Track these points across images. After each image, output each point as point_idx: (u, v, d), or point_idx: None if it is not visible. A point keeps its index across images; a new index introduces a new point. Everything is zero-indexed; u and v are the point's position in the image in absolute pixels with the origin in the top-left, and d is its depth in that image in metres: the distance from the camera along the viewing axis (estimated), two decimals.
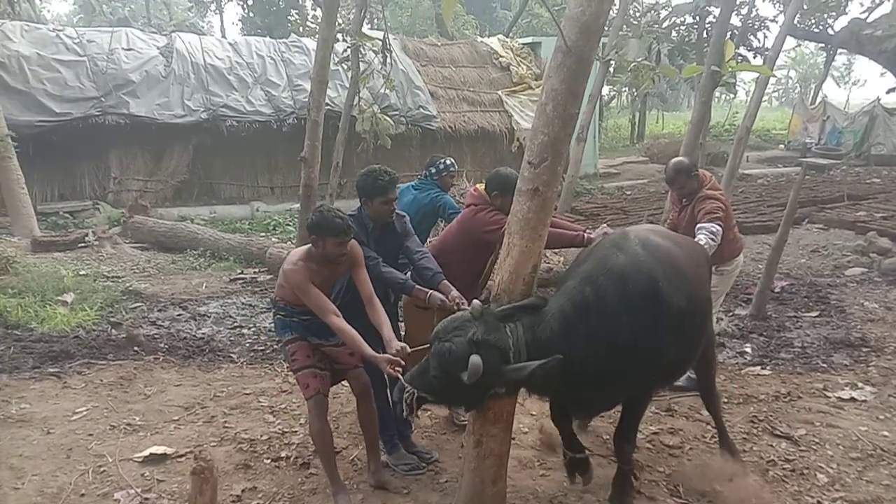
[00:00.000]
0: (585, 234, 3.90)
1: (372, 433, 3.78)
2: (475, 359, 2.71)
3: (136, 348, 5.79)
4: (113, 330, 6.23)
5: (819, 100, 23.42)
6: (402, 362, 3.23)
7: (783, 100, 52.53)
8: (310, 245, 3.51)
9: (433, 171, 5.15)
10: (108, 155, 12.35)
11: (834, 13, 21.57)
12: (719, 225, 4.39)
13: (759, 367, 5.41)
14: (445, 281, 3.73)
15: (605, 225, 4.07)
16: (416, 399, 2.94)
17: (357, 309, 3.58)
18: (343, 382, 3.91)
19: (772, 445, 4.15)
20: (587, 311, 2.95)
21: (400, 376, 3.10)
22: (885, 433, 4.24)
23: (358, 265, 3.60)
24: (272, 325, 4.24)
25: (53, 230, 10.60)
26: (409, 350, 3.34)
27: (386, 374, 3.27)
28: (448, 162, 5.17)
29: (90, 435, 4.31)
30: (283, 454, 4.08)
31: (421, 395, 2.94)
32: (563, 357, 2.77)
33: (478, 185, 4.33)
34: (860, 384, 4.98)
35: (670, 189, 4.89)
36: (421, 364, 3.03)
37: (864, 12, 21.04)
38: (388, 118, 10.21)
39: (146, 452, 4.03)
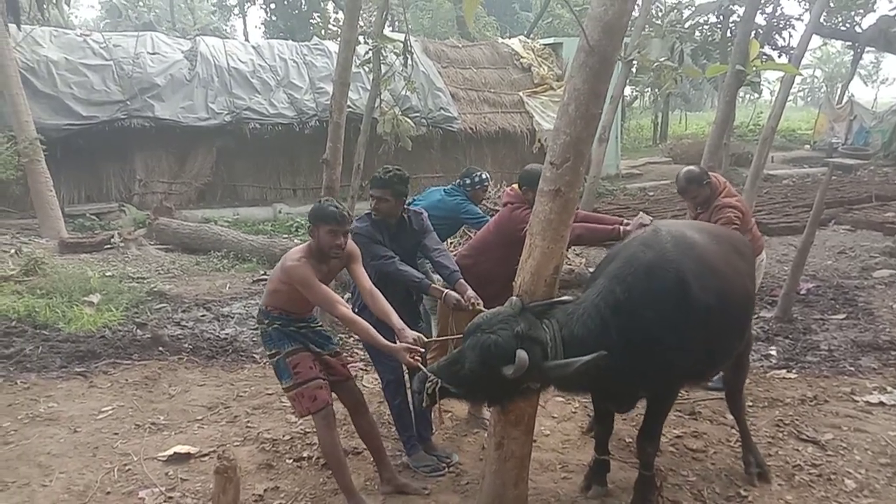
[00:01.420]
0: (622, 228, 3.83)
1: (376, 443, 3.70)
2: (522, 353, 2.70)
3: (160, 348, 5.86)
4: (138, 330, 6.31)
5: (846, 99, 23.03)
6: (422, 350, 3.20)
7: (809, 99, 51.78)
8: (308, 242, 3.44)
9: (468, 181, 5.20)
10: (133, 158, 12.54)
11: (861, 10, 21.25)
12: None
13: (784, 371, 5.33)
14: (462, 280, 3.73)
15: (642, 213, 3.99)
16: (438, 390, 2.89)
17: (390, 293, 3.56)
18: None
19: (798, 450, 4.08)
20: (618, 308, 2.94)
21: (421, 366, 3.07)
22: None
23: (354, 261, 3.53)
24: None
25: (80, 232, 10.78)
26: (425, 339, 3.29)
27: (405, 363, 3.22)
28: (484, 176, 5.24)
29: (115, 434, 4.37)
30: (304, 454, 4.09)
31: (444, 387, 2.90)
32: (606, 354, 2.75)
33: (514, 185, 4.34)
34: (889, 388, 4.88)
35: (684, 199, 4.84)
36: (451, 355, 3.00)
37: (893, 9, 20.66)
38: (409, 120, 10.21)
39: (170, 451, 4.08)
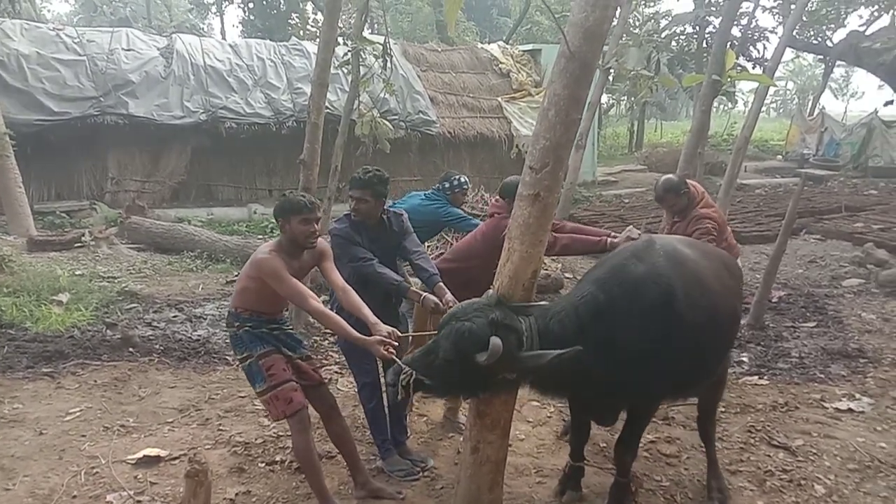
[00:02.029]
0: (609, 240, 3.86)
1: (349, 447, 3.65)
2: (496, 340, 2.69)
3: (130, 349, 5.75)
4: (108, 331, 6.18)
5: (817, 111, 23.50)
6: (396, 343, 3.18)
7: (781, 111, 52.71)
8: (278, 238, 3.42)
9: (447, 185, 5.21)
10: (106, 155, 12.32)
11: (833, 25, 21.69)
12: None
13: (756, 377, 5.39)
14: (441, 283, 3.72)
15: (631, 227, 4.01)
16: (413, 382, 2.87)
17: (368, 295, 3.53)
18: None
19: (769, 456, 4.13)
20: (599, 315, 2.93)
21: (396, 358, 3.05)
22: (883, 444, 4.23)
23: (326, 259, 3.50)
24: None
25: (50, 230, 10.56)
26: (399, 333, 3.28)
27: (378, 356, 3.18)
28: (463, 179, 5.26)
29: (83, 436, 4.28)
30: (277, 458, 4.04)
31: (419, 379, 2.88)
32: (580, 349, 2.74)
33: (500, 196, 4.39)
34: (857, 395, 4.97)
35: (662, 207, 4.89)
36: (425, 346, 2.98)
37: (862, 25, 21.16)
38: (387, 122, 10.17)
39: (139, 454, 4.00)
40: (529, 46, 17.86)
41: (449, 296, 3.66)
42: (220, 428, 4.45)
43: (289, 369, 3.41)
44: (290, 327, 3.69)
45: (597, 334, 2.91)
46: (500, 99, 15.22)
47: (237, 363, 3.55)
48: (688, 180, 4.86)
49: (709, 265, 3.33)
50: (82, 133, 11.78)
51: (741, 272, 3.97)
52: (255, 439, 4.27)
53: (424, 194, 5.29)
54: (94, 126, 11.78)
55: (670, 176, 4.92)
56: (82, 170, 12.32)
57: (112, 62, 12.12)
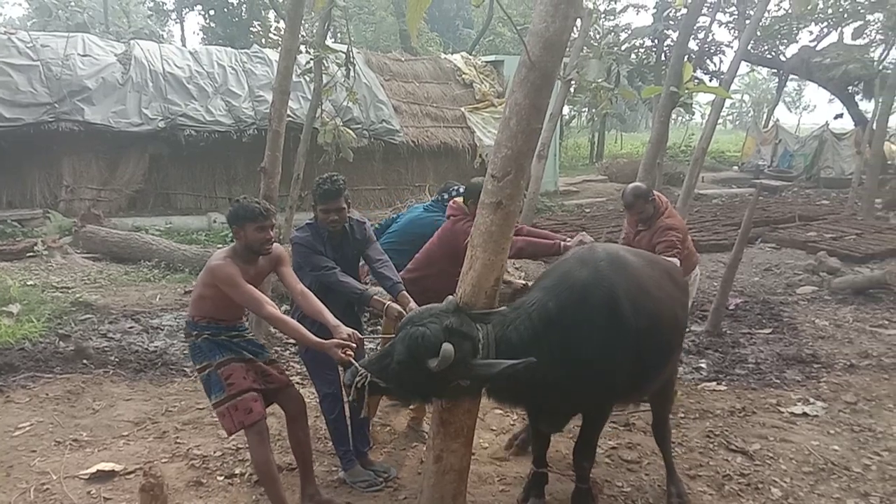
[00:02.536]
0: (562, 244, 3.89)
1: (306, 456, 3.60)
2: (447, 346, 2.69)
3: (84, 361, 5.60)
4: (61, 342, 6.01)
5: (771, 123, 24.19)
6: (354, 345, 3.15)
7: (737, 123, 54.07)
8: (233, 245, 3.38)
9: (446, 196, 5.15)
10: (60, 162, 12.00)
11: (786, 40, 22.40)
12: (677, 258, 4.47)
13: (714, 383, 5.49)
14: (405, 292, 3.70)
15: (583, 232, 4.07)
16: (368, 384, 2.87)
17: (331, 303, 3.50)
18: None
19: (727, 460, 4.20)
20: (550, 322, 2.96)
21: (353, 361, 3.03)
22: (836, 447, 4.34)
23: (283, 264, 3.46)
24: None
25: (0, 239, 10.22)
26: (359, 335, 3.26)
27: (336, 359, 3.15)
28: (462, 189, 5.19)
29: (33, 451, 4.14)
30: (236, 471, 3.97)
31: (374, 381, 2.88)
32: (535, 360, 2.76)
33: (457, 199, 4.34)
34: (812, 399, 5.09)
35: (628, 213, 4.94)
36: (382, 349, 2.99)
37: (813, 41, 21.94)
38: (350, 131, 10.14)
39: (93, 469, 3.88)
40: (492, 57, 18.01)
41: (413, 304, 3.63)
42: (178, 441, 4.35)
43: (249, 377, 3.34)
44: (252, 334, 3.63)
45: (551, 341, 2.94)
46: (463, 109, 15.31)
47: (195, 374, 3.47)
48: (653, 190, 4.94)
49: (652, 273, 3.40)
50: (36, 140, 11.47)
51: (686, 284, 4.02)
52: (214, 452, 4.18)
53: (424, 206, 5.23)
54: (48, 133, 11.47)
55: (639, 183, 5.01)
56: (35, 177, 11.98)
57: (67, 68, 11.83)
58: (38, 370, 5.36)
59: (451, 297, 3.00)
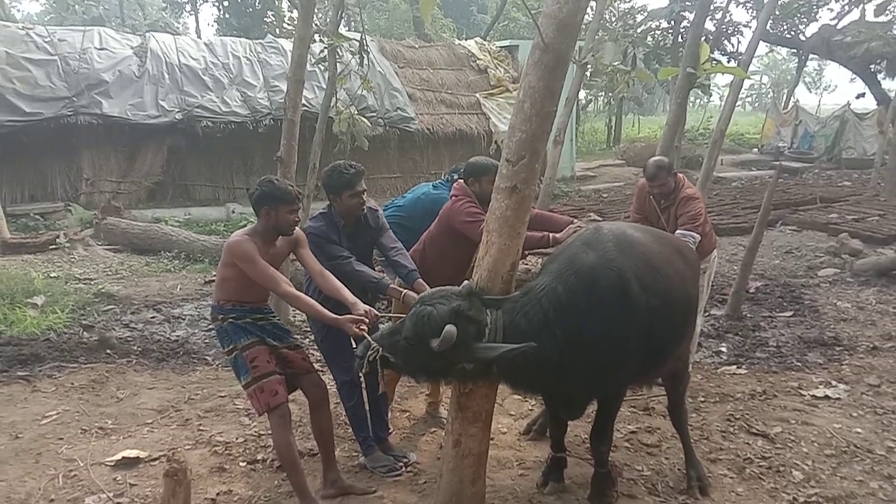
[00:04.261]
0: (551, 236, 3.79)
1: (329, 443, 3.64)
2: (450, 327, 2.70)
3: (108, 351, 5.69)
4: (84, 333, 6.10)
5: (791, 104, 23.80)
6: (367, 320, 3.19)
7: (756, 105, 53.36)
8: (253, 225, 3.41)
9: (455, 176, 5.15)
10: (80, 156, 12.15)
11: (805, 19, 21.99)
12: (698, 233, 4.42)
13: (734, 366, 5.46)
14: (420, 279, 3.70)
15: (592, 214, 3.99)
16: (379, 358, 2.94)
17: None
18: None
19: (748, 443, 4.18)
20: (560, 308, 2.93)
21: (366, 335, 3.07)
22: (858, 430, 4.30)
23: (302, 245, 3.50)
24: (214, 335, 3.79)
25: (23, 232, 10.38)
26: (376, 312, 3.31)
27: (350, 333, 3.20)
28: None
29: (60, 439, 4.22)
30: (258, 457, 4.02)
31: (385, 356, 2.95)
32: (536, 346, 2.76)
33: (460, 180, 4.33)
34: (834, 382, 5.04)
35: (650, 186, 4.83)
36: (395, 324, 3.04)
37: (833, 19, 21.49)
38: (365, 119, 10.15)
39: (118, 456, 3.95)
40: (507, 42, 17.88)
41: None
42: (201, 428, 4.41)
43: (273, 361, 3.38)
44: (277, 318, 3.66)
45: (562, 326, 2.91)
46: (478, 95, 15.24)
47: (224, 357, 3.53)
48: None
49: (661, 250, 3.36)
50: (55, 134, 11.61)
51: (697, 259, 3.96)
52: (236, 439, 4.23)
53: (432, 185, 5.25)
54: (67, 126, 11.60)
55: (661, 156, 4.96)
56: (56, 171, 12.14)
57: (84, 62, 11.94)
58: (63, 360, 5.45)
59: (467, 281, 3.00)
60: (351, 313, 3.24)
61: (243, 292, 3.38)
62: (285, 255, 3.57)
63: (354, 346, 3.36)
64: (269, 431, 4.12)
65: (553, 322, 2.91)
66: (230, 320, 3.39)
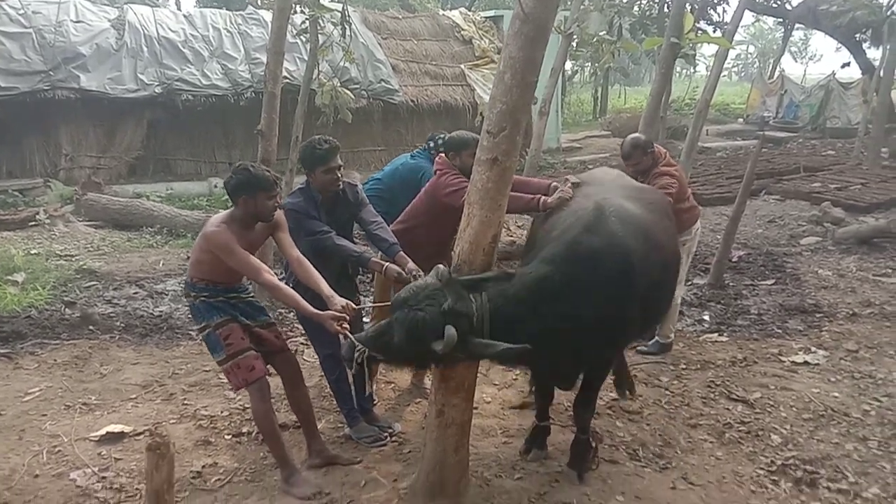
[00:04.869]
0: (542, 200, 3.67)
1: (308, 416, 3.66)
2: (451, 330, 2.69)
3: (91, 327, 5.66)
4: (67, 309, 6.06)
5: (777, 74, 23.78)
6: (348, 317, 3.16)
7: (742, 75, 53.28)
8: (230, 210, 3.35)
9: (431, 144, 5.12)
10: (58, 131, 11.91)
11: None
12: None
13: (716, 334, 5.52)
14: (402, 252, 3.69)
15: (567, 179, 3.78)
16: (366, 358, 2.93)
17: (326, 268, 3.51)
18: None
19: (728, 409, 4.24)
20: (555, 293, 2.90)
21: (348, 333, 3.04)
22: (836, 394, 4.38)
23: (281, 229, 3.44)
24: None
25: (2, 209, 10.20)
26: (353, 306, 3.26)
27: (331, 331, 3.16)
28: (447, 137, 5.13)
29: (44, 415, 4.21)
30: (244, 430, 4.04)
31: (372, 355, 2.94)
32: (529, 348, 2.74)
33: (443, 154, 4.30)
34: (813, 348, 5.12)
35: (626, 164, 4.87)
36: (379, 326, 2.99)
37: None
38: (348, 92, 10.05)
39: (103, 431, 3.96)
40: (492, 13, 17.65)
41: (411, 264, 3.63)
42: (185, 402, 4.42)
43: (247, 338, 3.38)
44: (251, 295, 3.63)
45: (555, 312, 2.89)
46: (462, 66, 15.07)
47: (197, 333, 3.53)
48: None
49: (654, 218, 3.43)
50: (32, 109, 11.36)
51: (669, 207, 4.00)
52: (221, 412, 4.25)
53: (410, 155, 5.22)
54: (44, 101, 11.35)
55: (637, 134, 4.94)
56: (34, 147, 11.90)
57: (60, 34, 11.65)
58: (46, 337, 5.42)
59: (441, 267, 2.93)
60: (327, 306, 3.20)
61: (217, 274, 3.36)
62: (263, 240, 3.54)
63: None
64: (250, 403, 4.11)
65: (544, 310, 2.89)
66: (202, 298, 3.38)
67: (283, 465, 3.44)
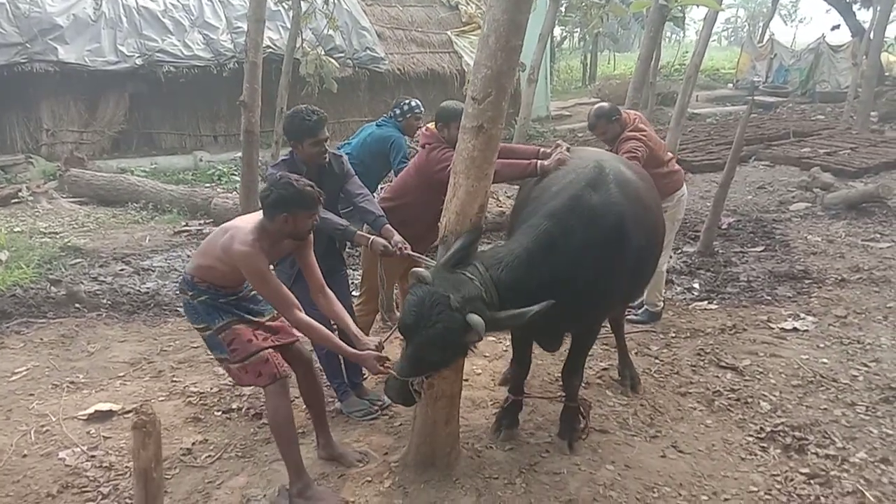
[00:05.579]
0: (538, 164, 3.57)
1: (319, 408, 3.43)
2: (474, 318, 2.65)
3: (77, 305, 5.59)
4: (52, 287, 5.98)
5: (767, 38, 23.60)
6: (389, 358, 3.05)
7: (732, 39, 52.81)
8: (259, 220, 2.97)
9: (397, 111, 5.03)
10: (38, 105, 11.70)
11: None
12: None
13: (706, 302, 5.52)
14: (388, 225, 3.64)
15: (560, 144, 3.70)
16: (423, 383, 2.88)
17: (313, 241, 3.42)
18: None
19: (717, 376, 4.25)
20: (553, 249, 2.91)
21: (392, 372, 2.90)
22: (825, 360, 4.39)
23: (307, 247, 3.15)
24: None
25: None
26: (382, 342, 3.13)
27: (373, 373, 3.08)
28: (413, 103, 5.05)
29: (31, 395, 4.17)
30: (234, 406, 4.01)
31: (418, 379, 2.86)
32: (553, 302, 2.71)
33: (430, 125, 4.20)
34: (802, 315, 5.13)
35: (594, 135, 4.82)
36: (406, 354, 2.85)
37: None
38: (333, 61, 9.91)
39: (91, 410, 3.92)
40: None
41: (398, 237, 3.59)
42: (174, 379, 4.39)
43: (259, 337, 3.07)
44: (253, 292, 3.25)
45: (554, 267, 2.89)
46: (449, 33, 14.85)
47: (197, 329, 3.21)
48: (621, 108, 4.76)
49: (644, 185, 3.49)
50: (10, 83, 11.14)
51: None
52: (211, 388, 4.22)
53: (376, 123, 5.12)
54: (22, 75, 11.13)
55: (603, 103, 4.86)
56: (14, 122, 11.71)
57: (36, 5, 11.37)
58: (31, 316, 5.36)
59: (419, 270, 2.85)
60: (352, 343, 3.07)
61: (225, 281, 3.06)
62: (288, 256, 3.27)
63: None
64: (265, 403, 3.57)
65: (542, 266, 2.88)
66: (202, 300, 3.07)
67: (297, 476, 3.10)
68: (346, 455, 3.45)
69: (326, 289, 3.19)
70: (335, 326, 3.35)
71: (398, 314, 4.14)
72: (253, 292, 3.22)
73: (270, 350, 3.06)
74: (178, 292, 4.50)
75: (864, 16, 20.26)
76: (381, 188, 5.40)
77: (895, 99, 15.00)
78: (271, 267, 3.17)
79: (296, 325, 3.06)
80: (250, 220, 3.01)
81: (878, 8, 14.47)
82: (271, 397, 3.04)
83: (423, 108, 5.08)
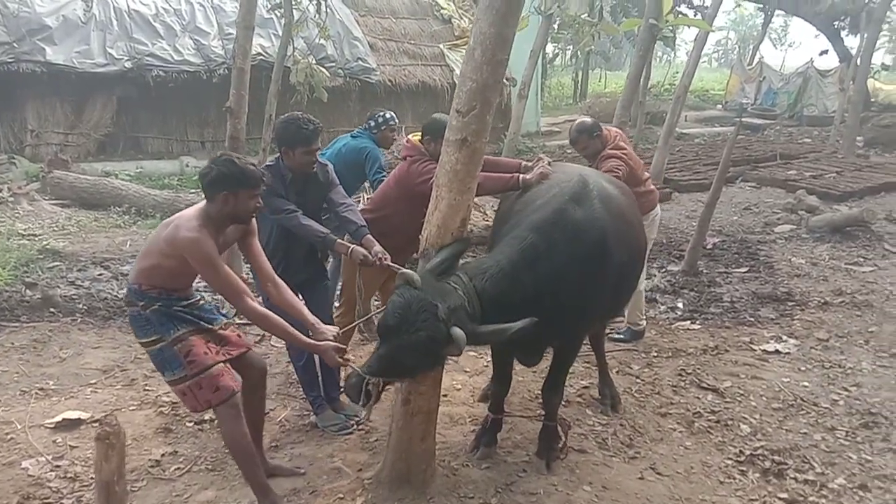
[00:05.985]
0: (521, 178, 3.54)
1: (259, 423, 3.33)
2: (458, 332, 2.62)
3: (51, 310, 5.49)
4: (27, 291, 5.86)
5: (756, 60, 23.85)
6: (346, 348, 2.98)
7: (723, 61, 53.39)
8: (202, 206, 2.86)
9: (372, 123, 5.01)
10: (24, 106, 11.55)
11: None
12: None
13: (689, 322, 5.50)
14: (369, 235, 3.59)
15: (542, 158, 3.70)
16: (375, 385, 2.78)
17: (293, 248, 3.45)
18: None
19: (698, 398, 4.22)
20: (537, 262, 2.90)
21: (353, 366, 2.84)
22: (806, 383, 4.37)
23: (251, 233, 3.03)
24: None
25: None
26: (338, 330, 3.04)
27: (331, 364, 3.00)
28: (388, 115, 5.01)
29: None
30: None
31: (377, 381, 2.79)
32: (535, 320, 2.68)
33: (411, 137, 4.15)
34: (784, 337, 5.12)
35: (575, 150, 4.81)
36: (379, 354, 2.76)
37: None
38: (324, 70, 9.86)
39: (59, 418, 3.83)
40: None
41: (378, 248, 3.54)
42: (147, 388, 4.30)
43: (212, 350, 2.94)
44: (202, 299, 3.15)
45: (537, 280, 2.88)
46: (442, 46, 14.86)
47: (144, 347, 2.98)
48: (602, 125, 4.74)
49: (627, 202, 3.49)
50: None
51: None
52: None
53: (351, 135, 5.08)
54: (8, 75, 10.98)
55: (584, 118, 4.83)
56: None
57: (25, 5, 11.25)
58: (4, 319, 5.25)
59: (406, 272, 2.80)
60: (309, 332, 2.97)
61: (173, 280, 2.92)
62: (232, 244, 3.09)
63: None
64: (217, 423, 3.44)
65: (525, 280, 2.87)
66: (156, 308, 2.88)
67: (262, 495, 3.02)
68: (281, 467, 3.41)
69: (276, 278, 3.08)
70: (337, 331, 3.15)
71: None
72: (202, 301, 3.11)
73: (222, 363, 2.95)
74: (124, 307, 4.25)
75: (852, 42, 20.57)
76: (356, 199, 5.36)
77: (881, 124, 15.14)
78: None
79: (248, 315, 2.95)
80: (193, 209, 2.90)
81: (866, 35, 14.66)
82: (226, 421, 2.93)
83: (397, 121, 5.09)
